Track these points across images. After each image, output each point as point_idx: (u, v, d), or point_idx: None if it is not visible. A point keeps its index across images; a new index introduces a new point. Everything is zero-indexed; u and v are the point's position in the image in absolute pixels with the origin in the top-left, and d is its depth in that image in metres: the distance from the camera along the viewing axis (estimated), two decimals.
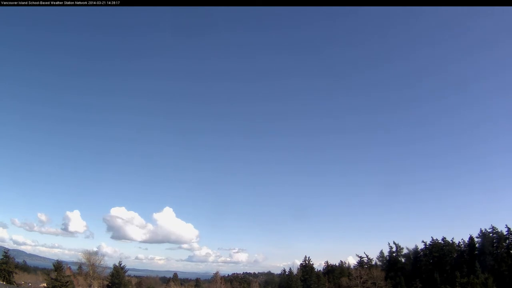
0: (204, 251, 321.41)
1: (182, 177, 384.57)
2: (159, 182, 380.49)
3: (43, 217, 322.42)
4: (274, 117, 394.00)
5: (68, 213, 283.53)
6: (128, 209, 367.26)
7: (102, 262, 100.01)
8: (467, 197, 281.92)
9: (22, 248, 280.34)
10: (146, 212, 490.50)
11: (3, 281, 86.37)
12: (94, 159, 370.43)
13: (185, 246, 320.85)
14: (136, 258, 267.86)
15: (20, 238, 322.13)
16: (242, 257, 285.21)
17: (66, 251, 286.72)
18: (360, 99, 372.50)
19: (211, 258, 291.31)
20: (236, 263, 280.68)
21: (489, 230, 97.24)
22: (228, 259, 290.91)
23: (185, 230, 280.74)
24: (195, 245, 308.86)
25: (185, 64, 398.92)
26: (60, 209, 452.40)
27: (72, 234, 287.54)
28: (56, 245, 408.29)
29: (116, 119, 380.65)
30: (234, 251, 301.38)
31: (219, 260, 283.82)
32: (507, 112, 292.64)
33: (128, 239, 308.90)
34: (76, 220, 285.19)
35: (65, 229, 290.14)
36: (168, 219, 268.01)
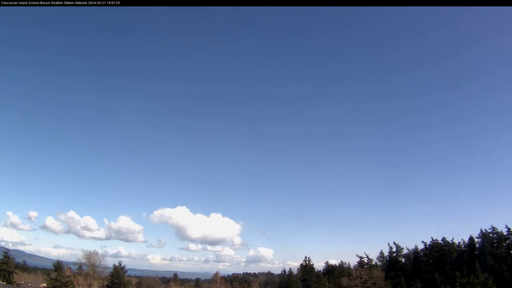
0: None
1: (183, 176, 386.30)
2: (158, 180, 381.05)
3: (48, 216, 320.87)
4: (279, 119, 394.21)
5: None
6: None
7: (102, 262, 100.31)
8: (467, 197, 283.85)
9: (23, 248, 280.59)
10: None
11: (3, 281, 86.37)
12: (96, 158, 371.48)
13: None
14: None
15: (21, 238, 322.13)
16: (242, 256, 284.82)
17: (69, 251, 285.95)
18: (362, 104, 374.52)
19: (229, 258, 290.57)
20: (237, 263, 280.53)
21: (489, 230, 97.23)
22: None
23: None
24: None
25: (186, 65, 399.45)
26: (60, 209, 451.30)
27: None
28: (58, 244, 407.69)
29: (117, 118, 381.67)
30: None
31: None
32: (506, 115, 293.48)
33: None
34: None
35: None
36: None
